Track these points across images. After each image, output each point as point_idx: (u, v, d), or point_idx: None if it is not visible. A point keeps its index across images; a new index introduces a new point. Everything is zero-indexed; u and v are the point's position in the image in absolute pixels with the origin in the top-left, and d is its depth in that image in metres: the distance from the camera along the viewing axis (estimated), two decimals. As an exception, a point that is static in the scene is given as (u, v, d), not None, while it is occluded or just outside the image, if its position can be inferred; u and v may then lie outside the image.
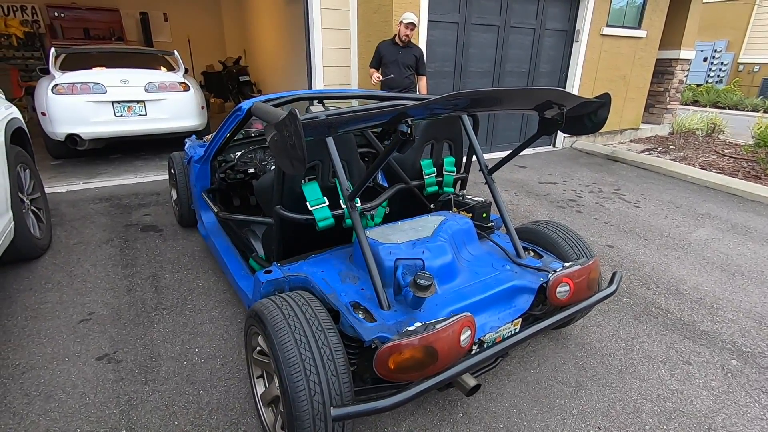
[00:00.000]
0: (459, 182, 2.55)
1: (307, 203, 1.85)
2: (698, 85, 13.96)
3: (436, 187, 2.43)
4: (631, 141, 7.47)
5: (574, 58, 6.30)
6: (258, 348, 1.62)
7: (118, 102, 4.69)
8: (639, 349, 2.23)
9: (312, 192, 1.87)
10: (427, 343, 1.27)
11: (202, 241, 3.14)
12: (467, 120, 2.27)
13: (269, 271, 1.78)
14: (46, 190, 3.47)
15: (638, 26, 6.69)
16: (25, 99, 7.94)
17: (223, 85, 10.15)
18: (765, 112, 10.58)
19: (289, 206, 1.87)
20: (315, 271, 1.78)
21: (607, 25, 6.29)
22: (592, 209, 4.23)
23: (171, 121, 5.03)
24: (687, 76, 7.95)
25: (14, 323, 2.22)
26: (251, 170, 2.74)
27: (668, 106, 7.88)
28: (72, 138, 4.60)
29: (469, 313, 1.39)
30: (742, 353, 2.23)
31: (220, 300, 2.49)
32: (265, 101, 2.13)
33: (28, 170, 2.94)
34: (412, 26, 4.16)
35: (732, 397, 1.94)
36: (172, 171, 3.31)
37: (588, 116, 1.76)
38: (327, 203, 1.88)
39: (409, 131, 1.31)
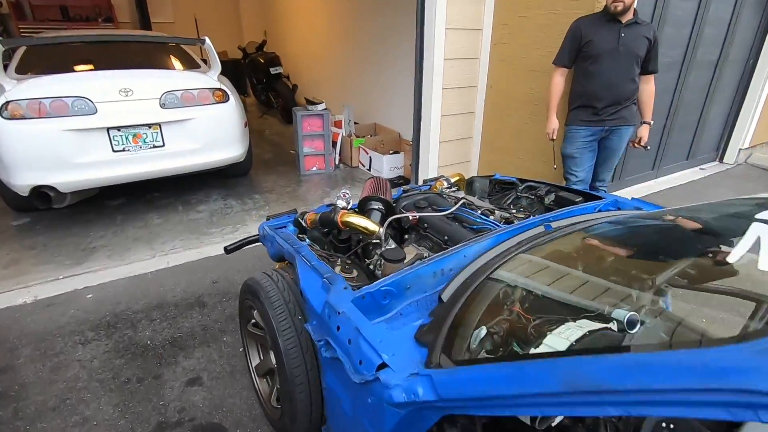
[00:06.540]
0: None
1: None
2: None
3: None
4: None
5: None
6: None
7: (118, 128, 2.80)
8: None
9: None
10: None
11: None
12: None
13: None
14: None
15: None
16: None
17: (242, 76, 8.17)
18: None
19: None
20: None
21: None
22: None
23: (203, 153, 3.14)
24: None
25: None
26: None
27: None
28: (41, 192, 2.73)
29: None
30: None
31: None
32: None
33: None
34: None
35: None
36: (255, 319, 1.47)
37: None
38: None
39: None
